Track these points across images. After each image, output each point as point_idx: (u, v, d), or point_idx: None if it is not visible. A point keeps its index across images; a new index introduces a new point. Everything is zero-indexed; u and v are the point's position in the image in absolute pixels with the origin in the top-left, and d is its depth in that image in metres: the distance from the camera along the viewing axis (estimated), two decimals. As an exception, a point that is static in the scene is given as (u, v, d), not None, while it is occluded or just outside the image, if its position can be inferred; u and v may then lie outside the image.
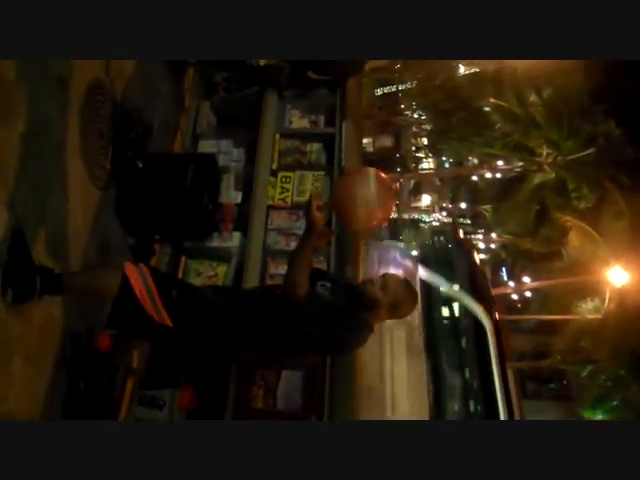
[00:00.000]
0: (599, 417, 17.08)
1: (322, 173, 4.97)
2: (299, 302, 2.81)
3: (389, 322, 3.29)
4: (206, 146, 5.17)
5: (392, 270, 3.65)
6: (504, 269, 26.96)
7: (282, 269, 4.53)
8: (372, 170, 2.87)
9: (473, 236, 25.01)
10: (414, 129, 26.61)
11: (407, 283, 3.11)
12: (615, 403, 16.46)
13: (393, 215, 26.69)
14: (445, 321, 14.51)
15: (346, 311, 2.98)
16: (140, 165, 4.24)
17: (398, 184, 25.75)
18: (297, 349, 3.01)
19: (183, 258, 4.64)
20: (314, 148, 5.15)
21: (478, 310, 12.16)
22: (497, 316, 10.91)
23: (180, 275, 4.52)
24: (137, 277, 2.83)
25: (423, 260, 14.04)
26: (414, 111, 24.80)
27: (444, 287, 13.27)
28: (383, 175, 2.84)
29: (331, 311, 2.94)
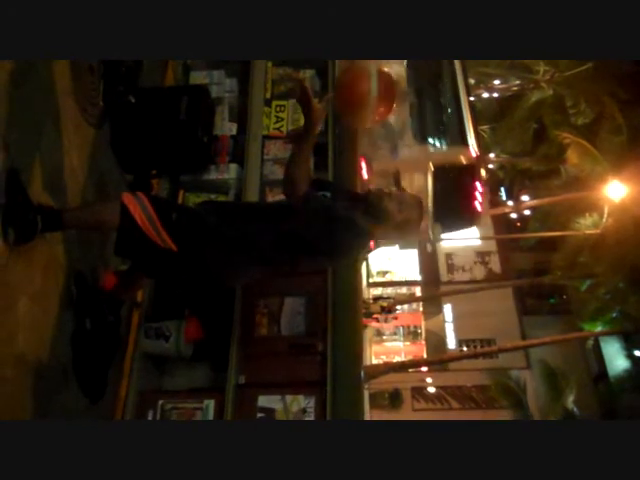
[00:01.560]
0: (599, 329, 17.37)
1: (316, 100, 4.91)
2: (298, 201, 2.86)
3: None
4: (198, 78, 5.11)
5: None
6: (503, 189, 26.97)
7: (280, 198, 4.54)
8: (374, 64, 2.86)
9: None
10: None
11: (421, 204, 3.11)
12: (614, 315, 16.71)
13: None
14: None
15: (348, 219, 2.99)
16: (133, 100, 4.22)
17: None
18: (299, 258, 3.06)
19: (181, 192, 4.65)
20: (307, 75, 5.08)
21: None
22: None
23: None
24: (136, 205, 2.86)
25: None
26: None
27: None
28: (386, 69, 2.83)
29: (332, 217, 2.95)
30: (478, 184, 7.08)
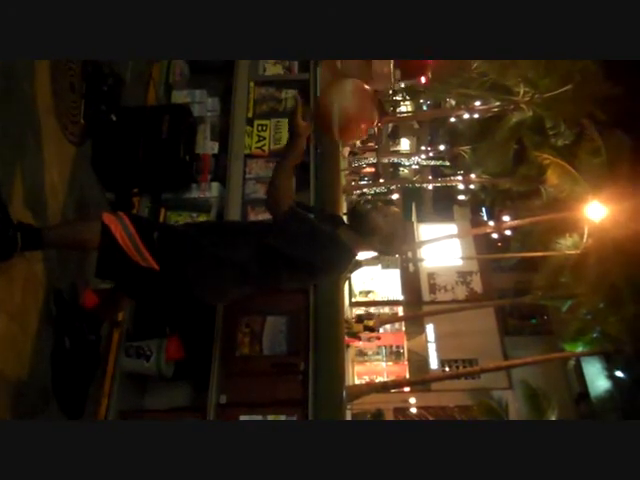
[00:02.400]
0: (580, 349, 17.46)
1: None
2: (282, 216, 2.88)
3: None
4: (180, 97, 5.12)
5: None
6: (484, 209, 27.17)
7: (262, 217, 4.55)
8: (352, 80, 2.89)
9: (452, 177, 25.08)
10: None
11: (405, 224, 3.17)
12: (595, 335, 16.81)
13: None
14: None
15: (332, 234, 3.03)
16: (114, 118, 4.21)
17: (376, 128, 25.64)
18: (282, 276, 3.05)
19: (162, 210, 4.63)
20: (289, 94, 5.11)
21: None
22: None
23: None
24: (117, 224, 2.84)
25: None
26: (390, 54, 24.49)
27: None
28: (365, 85, 2.85)
29: (316, 233, 2.96)
30: None
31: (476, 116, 21.06)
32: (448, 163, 26.62)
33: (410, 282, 24.37)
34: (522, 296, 19.16)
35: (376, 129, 25.97)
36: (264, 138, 4.86)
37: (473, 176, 22.60)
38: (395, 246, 3.18)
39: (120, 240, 2.82)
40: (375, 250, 3.23)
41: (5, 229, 2.85)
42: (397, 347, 23.42)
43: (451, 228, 25.58)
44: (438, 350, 22.82)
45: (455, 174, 25.19)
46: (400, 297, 24.29)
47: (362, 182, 26.93)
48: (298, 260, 2.93)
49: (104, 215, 2.89)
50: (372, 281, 24.34)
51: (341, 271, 3.33)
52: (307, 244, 2.91)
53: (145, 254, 2.84)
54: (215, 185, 4.63)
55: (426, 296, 24.37)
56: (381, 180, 27.00)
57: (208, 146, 4.82)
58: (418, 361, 22.86)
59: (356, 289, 23.34)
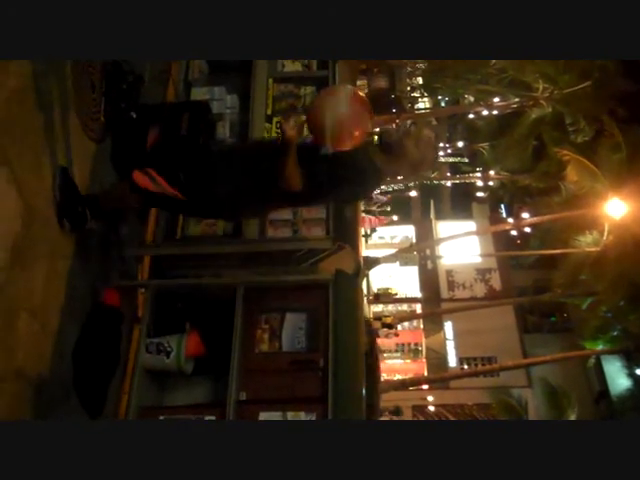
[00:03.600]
0: (600, 347, 17.33)
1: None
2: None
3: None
4: (199, 94, 5.12)
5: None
6: (503, 206, 27.01)
7: (281, 214, 4.54)
8: (344, 87, 2.89)
9: (471, 174, 24.97)
10: (409, 69, 26.28)
11: (435, 147, 3.26)
12: (615, 333, 16.67)
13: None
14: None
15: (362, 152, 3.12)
16: (134, 116, 4.23)
17: (394, 125, 25.58)
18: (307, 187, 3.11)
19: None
20: (308, 91, 5.10)
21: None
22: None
23: (180, 224, 4.54)
24: (144, 178, 3.21)
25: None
26: (408, 50, 24.40)
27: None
28: (359, 93, 2.85)
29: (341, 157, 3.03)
30: None
31: (495, 112, 20.94)
32: (467, 160, 26.48)
33: (428, 279, 24.27)
34: (541, 294, 19.01)
35: (394, 126, 25.93)
36: (283, 135, 4.86)
37: (492, 173, 22.48)
38: (423, 168, 3.26)
39: (147, 187, 3.20)
40: (403, 173, 3.36)
41: (76, 205, 3.40)
42: (415, 345, 23.35)
43: (470, 225, 25.45)
44: (457, 348, 22.72)
45: (474, 171, 25.07)
46: (418, 294, 24.22)
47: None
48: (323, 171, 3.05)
49: (134, 174, 3.27)
50: (390, 278, 24.29)
51: (367, 189, 3.47)
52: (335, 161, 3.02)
53: (173, 192, 3.19)
54: (234, 182, 4.63)
55: (444, 293, 24.26)
56: (399, 177, 26.91)
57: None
58: (436, 359, 22.78)
59: (374, 286, 23.29)
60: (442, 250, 24.63)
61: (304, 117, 3.04)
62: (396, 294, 22.47)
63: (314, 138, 3.00)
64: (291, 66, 5.36)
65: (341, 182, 3.10)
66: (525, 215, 20.73)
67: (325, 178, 3.06)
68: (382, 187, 26.58)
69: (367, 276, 19.86)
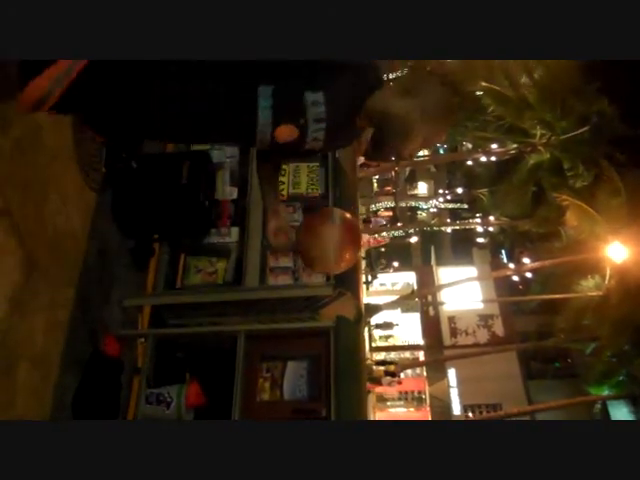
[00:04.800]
0: (605, 393, 17.15)
1: (317, 164, 4.98)
2: None
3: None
4: (199, 143, 5.18)
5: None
6: (503, 251, 27.04)
7: (282, 262, 4.55)
8: (330, 210, 2.81)
9: (471, 220, 25.06)
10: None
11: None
12: (621, 378, 16.52)
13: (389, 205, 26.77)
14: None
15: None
16: (134, 165, 4.27)
17: (394, 172, 25.76)
18: None
19: (182, 255, 4.65)
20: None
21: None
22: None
23: (180, 272, 4.54)
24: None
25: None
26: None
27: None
28: (347, 215, 2.71)
29: None
30: None
31: (493, 159, 21.11)
32: (466, 206, 26.62)
33: (431, 326, 24.13)
34: (545, 339, 18.90)
35: (393, 173, 26.12)
36: (283, 182, 4.89)
37: (492, 218, 22.55)
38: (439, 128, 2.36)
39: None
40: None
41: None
42: (419, 392, 23.10)
43: (471, 271, 25.41)
44: (460, 395, 22.47)
45: (473, 217, 25.16)
46: (421, 341, 24.07)
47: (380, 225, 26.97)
48: None
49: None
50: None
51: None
52: None
53: None
54: (235, 230, 4.65)
55: (447, 340, 24.09)
56: (399, 224, 27.02)
57: (227, 191, 4.85)
58: (440, 407, 22.51)
59: (376, 333, 23.15)
60: (444, 296, 24.57)
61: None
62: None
63: (304, 263, 2.83)
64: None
65: None
66: (526, 260, 20.73)
67: None
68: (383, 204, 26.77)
69: (369, 324, 19.78)
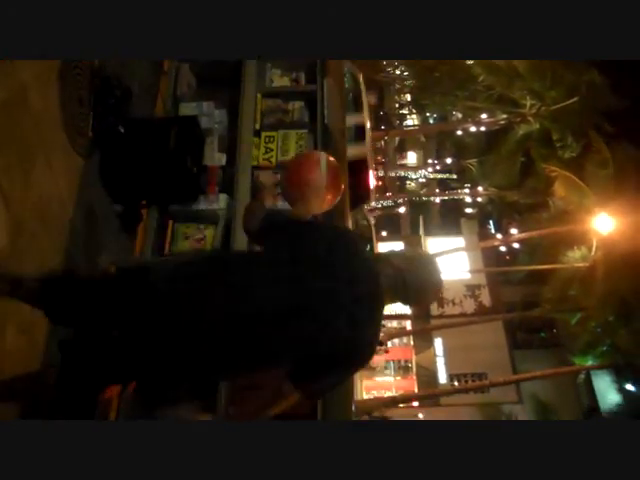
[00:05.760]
0: (589, 363, 17.34)
1: (305, 131, 4.95)
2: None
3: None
4: (187, 109, 5.12)
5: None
6: (491, 222, 27.13)
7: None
8: (317, 155, 2.87)
9: (459, 190, 25.09)
10: (397, 86, 26.47)
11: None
12: (605, 348, 16.68)
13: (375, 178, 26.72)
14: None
15: None
16: (122, 130, 4.22)
17: (383, 142, 25.69)
18: None
19: (170, 222, 4.62)
20: (296, 106, 5.11)
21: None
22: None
23: (168, 239, 4.52)
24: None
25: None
26: (396, 67, 24.64)
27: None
28: (331, 159, 2.80)
29: None
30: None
31: (483, 129, 21.09)
32: (455, 176, 26.63)
33: (418, 295, 24.27)
34: (531, 309, 19.05)
35: (383, 143, 26.05)
36: (271, 150, 4.86)
37: (480, 189, 22.59)
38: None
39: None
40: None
41: None
42: (405, 361, 23.32)
43: (459, 241, 25.52)
44: (447, 364, 22.70)
45: (462, 187, 25.19)
46: (408, 311, 24.22)
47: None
48: None
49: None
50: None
51: None
52: None
53: None
54: (223, 197, 4.63)
55: (434, 310, 24.28)
56: (388, 193, 27.02)
57: (216, 158, 4.82)
58: (426, 375, 22.74)
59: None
60: (432, 266, 24.63)
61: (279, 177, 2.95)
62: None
63: (288, 200, 2.83)
64: (279, 80, 5.38)
65: None
66: (514, 231, 20.82)
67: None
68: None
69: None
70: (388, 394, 21.10)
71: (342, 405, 3.81)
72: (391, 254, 2.57)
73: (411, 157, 31.81)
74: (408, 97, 27.23)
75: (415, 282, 2.47)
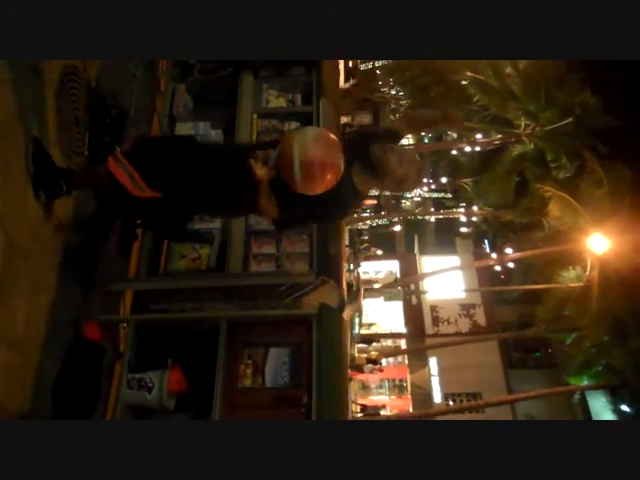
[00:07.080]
0: (584, 383, 17.32)
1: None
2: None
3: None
4: (183, 129, 5.15)
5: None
6: (486, 241, 27.17)
7: (265, 249, 4.54)
8: (315, 127, 2.90)
9: (454, 210, 25.13)
10: (392, 105, 26.57)
11: (420, 164, 3.23)
12: (600, 368, 16.68)
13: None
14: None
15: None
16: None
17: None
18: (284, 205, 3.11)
19: (166, 241, 4.62)
20: (292, 127, 5.14)
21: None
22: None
23: (163, 258, 4.52)
24: (120, 171, 3.08)
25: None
26: (392, 87, 24.76)
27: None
28: (329, 134, 2.84)
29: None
30: None
31: (477, 149, 21.18)
32: (450, 195, 26.70)
33: (413, 315, 24.26)
34: (526, 329, 19.04)
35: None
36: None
37: (475, 208, 22.65)
38: (407, 186, 3.24)
39: (124, 183, 3.07)
40: (384, 190, 3.37)
41: (52, 176, 3.35)
42: (400, 380, 23.25)
43: (454, 260, 25.54)
44: (441, 383, 22.65)
45: (457, 206, 25.25)
46: (403, 330, 24.17)
47: (364, 214, 26.99)
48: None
49: (109, 162, 3.12)
50: (375, 313, 24.25)
51: (346, 211, 3.49)
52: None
53: (147, 190, 3.09)
54: (218, 217, 4.63)
55: (429, 329, 24.24)
56: (383, 212, 27.05)
57: (212, 178, 4.82)
58: (421, 395, 22.67)
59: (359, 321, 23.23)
60: (426, 285, 24.66)
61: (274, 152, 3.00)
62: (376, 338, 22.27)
63: (284, 177, 2.89)
64: (275, 101, 5.41)
65: (319, 207, 3.06)
66: (508, 250, 20.85)
67: (302, 206, 3.04)
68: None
69: (359, 313, 19.90)
70: (383, 413, 21.01)
71: (338, 407, 3.80)
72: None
73: (406, 176, 31.85)
74: (403, 117, 27.30)
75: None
